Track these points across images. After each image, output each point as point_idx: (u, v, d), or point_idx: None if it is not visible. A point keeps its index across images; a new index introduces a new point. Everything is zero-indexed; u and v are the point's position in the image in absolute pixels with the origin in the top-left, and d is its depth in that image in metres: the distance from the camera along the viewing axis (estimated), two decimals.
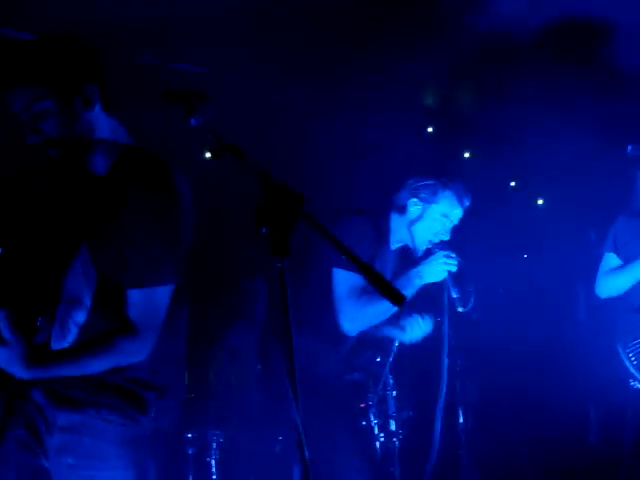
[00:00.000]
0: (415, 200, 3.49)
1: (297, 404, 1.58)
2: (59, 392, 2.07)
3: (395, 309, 3.38)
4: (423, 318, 3.78)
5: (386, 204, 3.57)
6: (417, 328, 3.77)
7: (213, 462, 4.39)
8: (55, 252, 2.10)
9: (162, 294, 2.10)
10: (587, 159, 5.75)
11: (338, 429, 3.29)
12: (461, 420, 5.12)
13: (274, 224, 1.58)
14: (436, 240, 3.46)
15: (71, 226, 2.11)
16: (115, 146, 2.20)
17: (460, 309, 3.40)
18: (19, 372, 2.01)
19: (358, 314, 3.34)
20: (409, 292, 3.38)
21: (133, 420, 2.12)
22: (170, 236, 2.09)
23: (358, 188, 4.71)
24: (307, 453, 1.56)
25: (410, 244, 3.54)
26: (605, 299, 4.23)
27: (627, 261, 4.13)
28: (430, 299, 3.59)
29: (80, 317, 2.06)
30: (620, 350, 4.10)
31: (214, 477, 4.38)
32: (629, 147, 5.69)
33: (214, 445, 4.40)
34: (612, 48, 5.17)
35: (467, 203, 3.52)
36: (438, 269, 3.37)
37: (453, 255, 3.39)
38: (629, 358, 4.07)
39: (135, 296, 2.07)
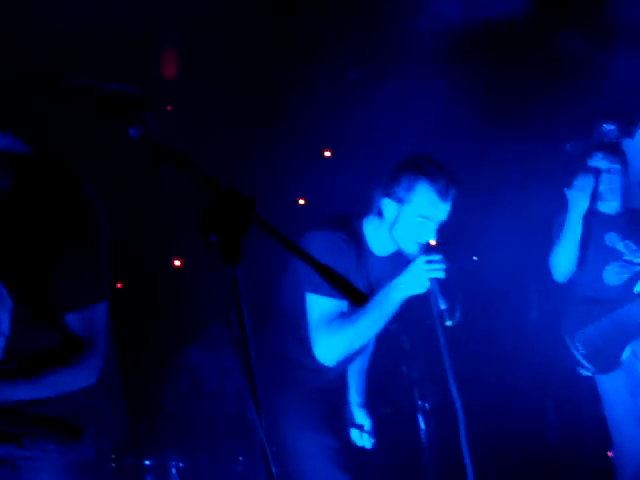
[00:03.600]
0: (387, 200, 2.97)
1: (260, 419, 1.51)
2: None
3: (369, 336, 3.01)
4: (367, 433, 3.34)
5: (366, 206, 3.10)
6: (358, 439, 3.34)
7: None
8: None
9: (100, 311, 2.05)
10: (532, 157, 5.79)
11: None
12: (422, 426, 5.10)
13: (223, 230, 1.51)
14: (423, 242, 2.90)
15: None
16: (14, 159, 2.05)
17: (448, 323, 2.79)
18: None
19: (329, 342, 2.92)
20: (388, 309, 2.90)
21: (70, 448, 2.04)
22: (93, 252, 2.02)
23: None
24: (273, 468, 1.49)
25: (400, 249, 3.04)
26: (560, 285, 4.28)
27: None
28: (417, 311, 3.06)
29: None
30: (568, 340, 4.14)
31: None
32: (568, 145, 5.79)
33: (173, 471, 4.29)
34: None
35: (451, 195, 2.94)
36: (419, 278, 2.81)
37: (437, 258, 2.81)
38: (576, 347, 4.12)
39: (73, 319, 2.01)
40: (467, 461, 2.86)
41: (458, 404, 2.88)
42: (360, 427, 3.32)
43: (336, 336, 2.91)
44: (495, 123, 5.47)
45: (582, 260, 4.16)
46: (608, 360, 4.09)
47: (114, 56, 4.66)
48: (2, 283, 1.96)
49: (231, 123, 5.27)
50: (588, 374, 4.18)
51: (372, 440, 3.31)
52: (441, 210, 2.94)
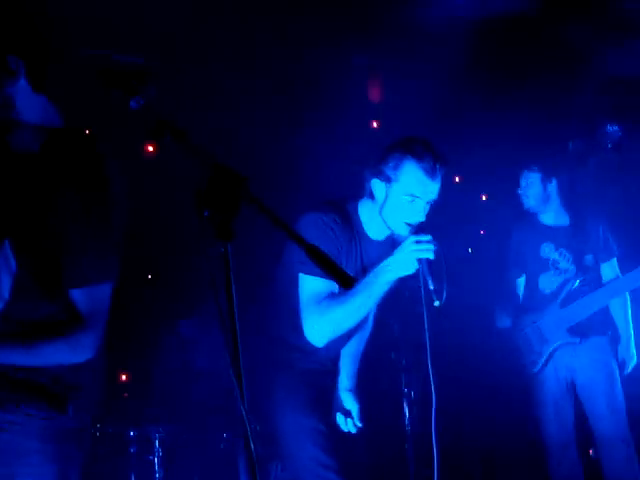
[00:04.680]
0: (376, 181, 2.99)
1: (242, 397, 1.52)
2: None
3: (358, 317, 2.98)
4: (352, 418, 3.30)
5: (359, 189, 3.10)
6: (343, 424, 3.30)
7: (156, 460, 4.30)
8: None
9: (104, 291, 2.05)
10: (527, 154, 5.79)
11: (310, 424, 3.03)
12: (407, 414, 5.12)
13: (217, 206, 1.51)
14: (413, 222, 2.92)
15: None
16: (43, 126, 2.07)
17: (436, 303, 2.77)
18: None
19: (318, 322, 2.93)
20: (378, 290, 2.90)
21: (52, 418, 2.04)
22: (106, 230, 2.02)
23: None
24: (253, 446, 1.50)
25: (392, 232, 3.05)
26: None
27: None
28: (406, 293, 3.14)
29: None
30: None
31: (157, 475, 4.29)
32: (570, 143, 5.79)
33: (157, 443, 4.31)
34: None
35: (439, 174, 2.94)
36: (408, 259, 2.79)
37: (426, 239, 2.80)
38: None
39: (78, 295, 2.01)
40: (434, 447, 2.85)
41: (433, 389, 2.88)
42: (347, 412, 3.32)
43: (325, 316, 2.92)
44: (496, 115, 5.46)
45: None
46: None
47: (120, 27, 4.65)
48: (9, 247, 1.96)
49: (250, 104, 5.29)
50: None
51: (359, 425, 3.31)
52: (429, 189, 2.93)
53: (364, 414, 3.33)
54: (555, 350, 4.34)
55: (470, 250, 6.25)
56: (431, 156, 2.92)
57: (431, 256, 2.79)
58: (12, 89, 2.04)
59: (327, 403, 3.26)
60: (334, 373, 3.36)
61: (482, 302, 5.69)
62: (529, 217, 4.52)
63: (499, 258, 4.68)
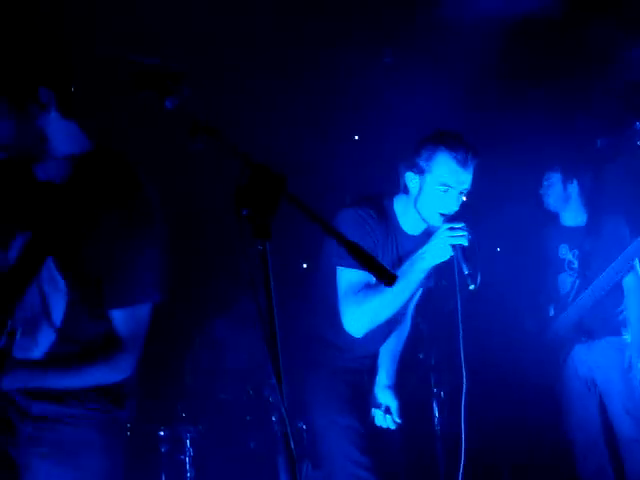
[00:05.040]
0: (410, 174, 3.05)
1: (282, 395, 1.52)
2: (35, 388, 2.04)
3: (395, 306, 3.02)
4: (391, 414, 3.33)
5: (394, 187, 3.18)
6: (382, 420, 3.33)
7: (187, 459, 4.32)
8: (17, 262, 2.02)
9: (145, 310, 2.08)
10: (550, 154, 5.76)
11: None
12: (436, 413, 5.10)
13: (255, 205, 1.52)
14: (447, 212, 2.97)
15: (31, 236, 2.03)
16: (74, 151, 2.09)
17: (471, 287, 2.82)
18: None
19: (356, 312, 2.98)
20: (414, 278, 2.96)
21: (112, 412, 2.12)
22: (149, 248, 2.04)
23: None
24: (293, 444, 1.51)
25: (427, 224, 3.09)
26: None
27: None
28: (443, 278, 3.15)
29: (48, 331, 2.03)
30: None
31: (188, 475, 4.31)
32: (598, 140, 5.75)
33: (188, 442, 4.33)
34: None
35: (471, 164, 2.99)
36: (442, 246, 2.87)
37: (459, 226, 2.88)
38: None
39: (119, 315, 2.05)
40: (462, 443, 2.91)
41: (465, 381, 2.95)
42: (386, 408, 3.35)
43: (363, 306, 2.97)
44: (520, 114, 5.43)
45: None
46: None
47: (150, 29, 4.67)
48: (59, 274, 1.98)
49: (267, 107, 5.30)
50: None
51: (398, 421, 3.33)
52: (462, 179, 2.99)
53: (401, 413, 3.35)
54: (571, 349, 4.40)
55: (498, 249, 6.20)
56: (463, 146, 2.99)
57: (465, 242, 2.87)
58: (44, 121, 2.05)
59: (364, 402, 3.30)
60: (372, 372, 3.38)
61: (511, 301, 5.68)
62: (552, 218, 4.58)
63: (530, 258, 4.69)
